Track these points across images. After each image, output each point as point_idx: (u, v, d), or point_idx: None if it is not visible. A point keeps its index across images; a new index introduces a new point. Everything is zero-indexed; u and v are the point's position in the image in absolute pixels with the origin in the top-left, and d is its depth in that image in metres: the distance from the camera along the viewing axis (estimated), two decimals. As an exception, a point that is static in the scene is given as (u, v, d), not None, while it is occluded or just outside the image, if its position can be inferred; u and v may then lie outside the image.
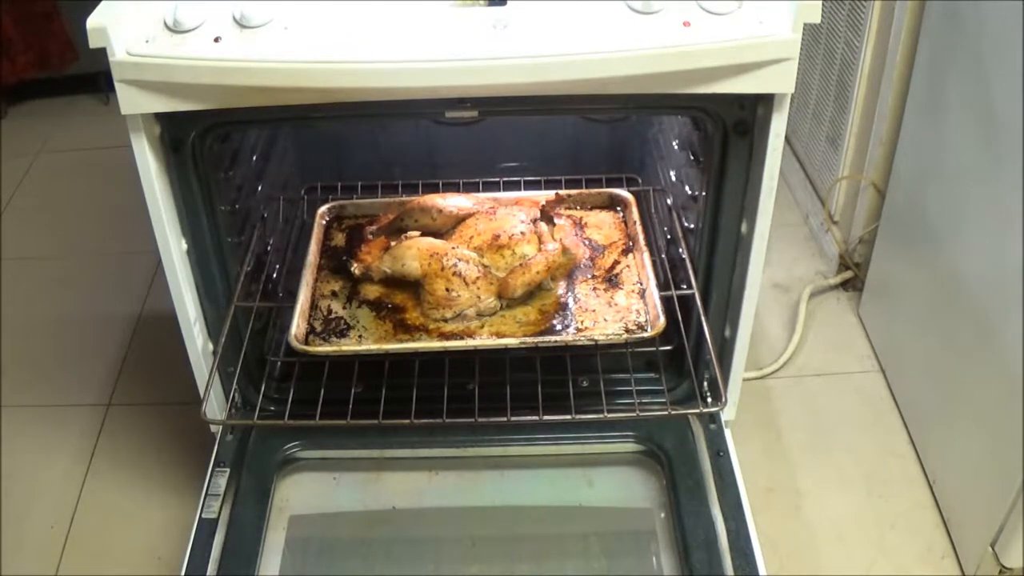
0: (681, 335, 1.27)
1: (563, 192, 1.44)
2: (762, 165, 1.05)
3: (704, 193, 1.15)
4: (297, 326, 1.22)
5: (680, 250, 1.29)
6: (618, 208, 1.46)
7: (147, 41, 0.94)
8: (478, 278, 1.23)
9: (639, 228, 1.37)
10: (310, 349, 1.20)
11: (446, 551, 1.22)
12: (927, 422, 1.60)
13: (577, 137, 1.61)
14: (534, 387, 1.18)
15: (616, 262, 1.33)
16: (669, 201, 1.41)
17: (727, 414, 1.29)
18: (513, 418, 1.16)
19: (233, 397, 1.25)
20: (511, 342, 1.18)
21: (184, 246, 1.14)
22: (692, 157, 1.24)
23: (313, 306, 1.28)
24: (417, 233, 1.34)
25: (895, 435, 1.65)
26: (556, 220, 1.36)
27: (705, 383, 1.27)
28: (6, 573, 1.48)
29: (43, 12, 2.55)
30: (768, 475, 1.59)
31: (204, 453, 1.28)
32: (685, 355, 1.25)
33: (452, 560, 1.21)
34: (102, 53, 0.93)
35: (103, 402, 1.78)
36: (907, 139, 1.62)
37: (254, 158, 1.39)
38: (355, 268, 1.32)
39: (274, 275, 1.43)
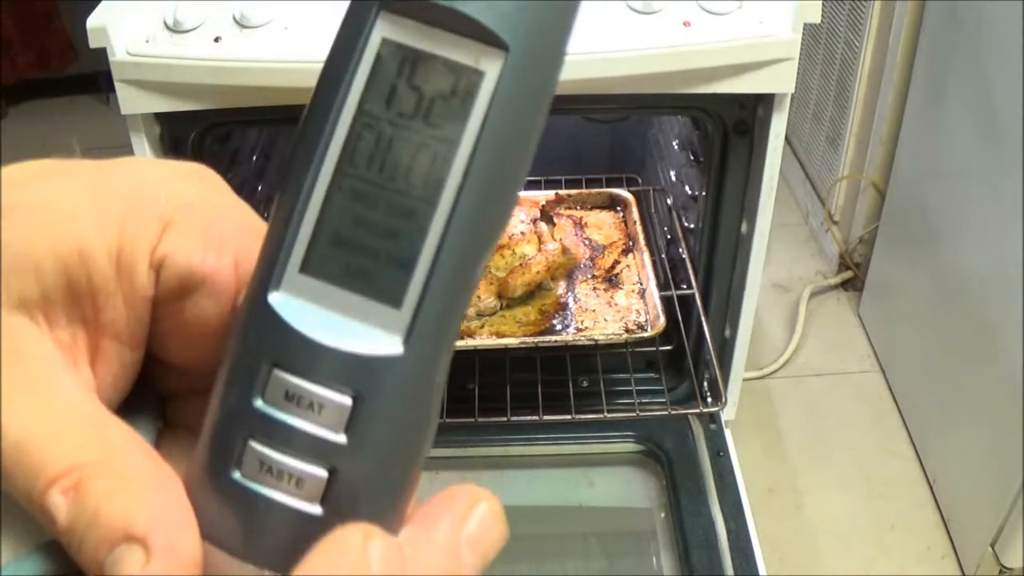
0: (681, 335, 1.27)
1: (563, 192, 1.44)
2: (762, 165, 1.05)
3: (704, 193, 1.15)
4: (297, 326, 1.22)
5: (680, 250, 1.29)
6: (618, 208, 1.46)
7: (147, 41, 0.94)
8: (478, 278, 1.22)
9: (639, 228, 1.37)
10: (310, 349, 1.20)
11: (446, 551, 1.22)
12: (927, 422, 1.60)
13: (577, 137, 1.61)
14: (534, 387, 1.18)
15: (616, 262, 1.33)
16: (669, 201, 1.41)
17: (727, 414, 1.29)
18: (513, 418, 1.16)
19: (233, 397, 1.25)
20: (511, 342, 1.18)
21: (184, 246, 1.14)
22: (692, 157, 1.24)
23: (313, 306, 1.28)
24: (417, 233, 1.34)
25: (895, 435, 1.65)
26: (556, 220, 1.36)
27: (705, 383, 1.27)
28: (6, 573, 1.48)
29: (43, 12, 2.56)
30: (768, 475, 1.59)
31: (204, 453, 1.28)
32: (685, 355, 1.25)
33: (452, 560, 1.21)
34: (102, 53, 0.93)
35: (103, 402, 1.78)
36: (907, 139, 1.62)
37: (254, 158, 1.39)
38: (355, 268, 1.32)
39: (274, 275, 1.42)
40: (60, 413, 0.21)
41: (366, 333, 0.22)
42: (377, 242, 0.22)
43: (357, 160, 0.22)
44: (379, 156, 0.22)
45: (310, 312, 0.22)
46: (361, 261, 0.22)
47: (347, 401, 0.22)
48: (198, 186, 0.25)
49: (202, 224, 0.24)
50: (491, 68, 0.21)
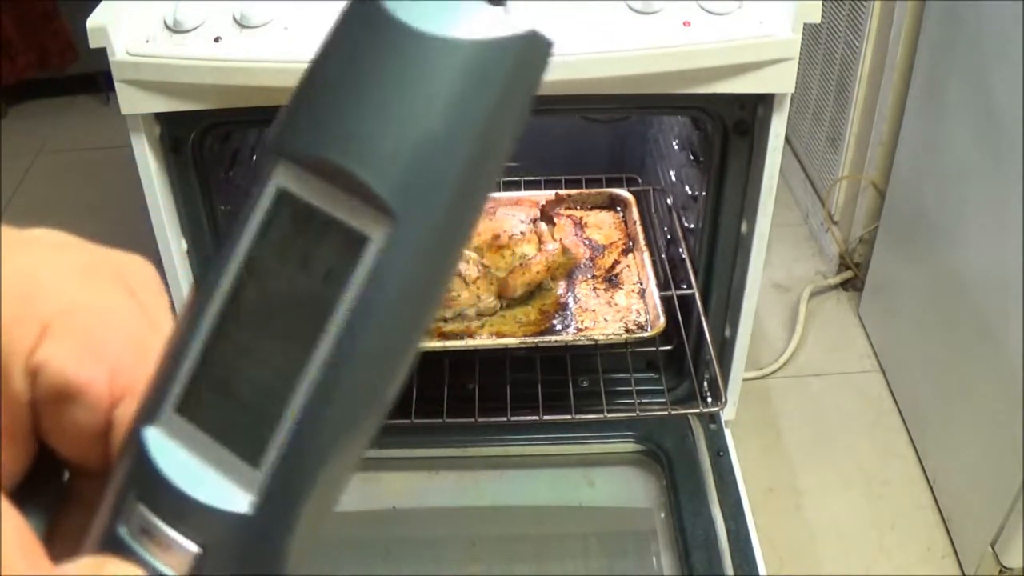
0: (681, 335, 1.27)
1: (563, 192, 1.44)
2: (762, 165, 1.05)
3: (704, 193, 1.15)
4: (297, 326, 1.22)
5: (680, 250, 1.29)
6: (618, 208, 1.46)
7: (147, 41, 0.94)
8: (478, 278, 1.22)
9: (639, 228, 1.37)
10: (310, 349, 1.19)
11: (446, 551, 1.22)
12: (927, 422, 1.60)
13: (577, 137, 1.61)
14: (534, 387, 1.19)
15: (616, 262, 1.33)
16: (669, 201, 1.41)
17: (727, 414, 1.29)
18: (513, 418, 1.16)
19: (233, 397, 1.25)
20: (511, 342, 1.18)
21: (184, 246, 1.14)
22: (692, 157, 1.24)
23: (313, 306, 1.28)
24: (417, 233, 1.34)
25: (895, 435, 1.65)
26: (556, 220, 1.36)
27: (705, 383, 1.27)
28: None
29: (43, 12, 2.55)
30: (768, 475, 1.59)
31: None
32: (685, 355, 1.25)
33: (452, 560, 1.21)
34: (102, 53, 0.93)
35: (103, 402, 1.78)
36: (907, 139, 1.62)
37: (254, 158, 1.39)
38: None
39: (274, 275, 1.42)
40: None
41: (220, 486, 0.21)
42: (248, 395, 0.21)
43: (240, 308, 0.21)
44: (261, 307, 0.21)
45: (176, 454, 0.22)
46: (231, 412, 0.22)
47: (193, 549, 0.21)
48: (93, 288, 0.24)
49: (83, 333, 0.23)
50: (377, 235, 0.20)
